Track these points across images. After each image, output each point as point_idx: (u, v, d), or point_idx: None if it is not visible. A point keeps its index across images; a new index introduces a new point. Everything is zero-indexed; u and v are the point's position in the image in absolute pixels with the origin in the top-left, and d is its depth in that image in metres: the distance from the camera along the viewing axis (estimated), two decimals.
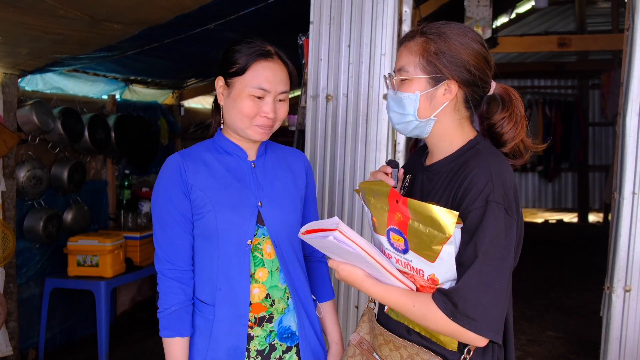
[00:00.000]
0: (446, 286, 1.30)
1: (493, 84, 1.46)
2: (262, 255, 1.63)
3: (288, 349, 1.68)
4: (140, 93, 5.31)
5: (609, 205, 3.12)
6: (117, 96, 4.97)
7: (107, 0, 2.77)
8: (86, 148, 4.32)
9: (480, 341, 1.26)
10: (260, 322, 1.64)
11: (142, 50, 3.79)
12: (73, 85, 4.40)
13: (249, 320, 1.62)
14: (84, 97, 4.54)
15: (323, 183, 2.91)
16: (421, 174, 1.50)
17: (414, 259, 1.32)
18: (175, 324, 1.59)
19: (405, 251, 1.33)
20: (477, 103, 1.44)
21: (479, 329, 1.24)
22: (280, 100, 1.63)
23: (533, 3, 8.03)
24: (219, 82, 1.64)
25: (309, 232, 1.33)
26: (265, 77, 1.58)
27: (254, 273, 1.63)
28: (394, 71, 1.45)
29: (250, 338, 1.62)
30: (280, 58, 1.64)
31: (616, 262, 2.60)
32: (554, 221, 9.80)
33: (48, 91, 4.17)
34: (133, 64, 4.28)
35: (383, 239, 1.39)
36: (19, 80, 3.79)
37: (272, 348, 1.66)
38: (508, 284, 1.30)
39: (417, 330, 1.40)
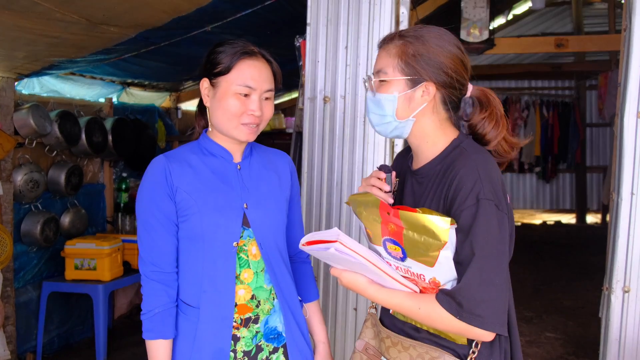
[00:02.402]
0: (448, 286, 1.34)
1: (470, 87, 1.48)
2: (248, 257, 1.64)
3: (275, 350, 1.68)
4: (138, 96, 5.30)
5: (607, 206, 3.11)
6: (114, 99, 4.97)
7: (104, 3, 2.76)
8: (83, 151, 4.31)
9: (488, 336, 1.31)
10: (246, 323, 1.64)
11: (139, 53, 3.79)
12: (70, 89, 4.39)
13: (235, 322, 1.62)
14: (81, 100, 4.53)
15: (321, 185, 2.90)
16: (410, 177, 1.53)
17: (413, 265, 1.35)
18: (158, 326, 1.59)
19: (403, 259, 1.36)
20: (455, 105, 1.47)
21: (486, 324, 1.28)
22: (266, 99, 1.63)
23: (530, 4, 8.04)
24: (204, 83, 1.64)
25: (309, 243, 1.34)
26: (250, 74, 1.59)
27: (239, 274, 1.63)
28: (372, 74, 1.48)
29: (236, 339, 1.63)
30: (264, 57, 1.65)
31: (615, 263, 2.60)
32: (552, 222, 9.80)
33: (45, 94, 4.16)
34: (130, 66, 4.27)
35: (380, 249, 1.41)
36: (16, 83, 3.79)
37: (259, 349, 1.66)
38: (507, 277, 1.34)
39: (425, 328, 1.43)
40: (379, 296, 1.39)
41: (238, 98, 1.58)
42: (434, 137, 1.45)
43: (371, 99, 1.47)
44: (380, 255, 1.42)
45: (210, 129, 1.69)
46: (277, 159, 1.79)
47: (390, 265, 1.40)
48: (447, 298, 1.31)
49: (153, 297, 1.59)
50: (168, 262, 1.61)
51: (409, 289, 1.37)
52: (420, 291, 1.38)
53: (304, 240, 1.36)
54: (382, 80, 1.43)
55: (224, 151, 1.67)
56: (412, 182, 1.51)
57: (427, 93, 1.41)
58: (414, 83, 1.41)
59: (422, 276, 1.35)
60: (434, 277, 1.33)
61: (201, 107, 1.73)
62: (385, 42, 1.46)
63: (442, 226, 1.25)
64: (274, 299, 1.68)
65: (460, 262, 1.30)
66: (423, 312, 1.34)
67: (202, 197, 1.60)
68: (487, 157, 1.40)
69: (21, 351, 3.94)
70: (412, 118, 1.43)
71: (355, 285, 1.41)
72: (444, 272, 1.31)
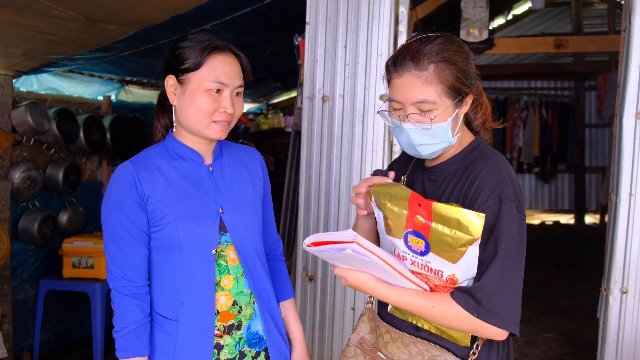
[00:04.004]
0: (464, 284, 1.35)
1: None
2: (227, 262, 1.58)
3: (257, 354, 1.65)
4: (136, 94, 5.29)
5: (605, 206, 3.11)
6: (113, 97, 4.95)
7: (103, 0, 2.75)
8: (81, 149, 4.30)
9: (501, 335, 1.32)
10: (229, 330, 1.59)
11: (137, 50, 3.78)
12: (68, 86, 4.37)
13: (218, 330, 1.57)
14: (79, 98, 4.52)
15: (319, 184, 2.90)
16: (421, 175, 1.53)
17: (434, 261, 1.34)
18: (133, 344, 1.51)
19: (424, 253, 1.35)
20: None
21: (502, 323, 1.30)
22: (236, 94, 1.57)
23: (529, 4, 8.04)
24: (170, 81, 1.56)
25: (315, 244, 1.32)
26: (222, 70, 1.52)
27: (220, 281, 1.57)
28: (410, 105, 1.39)
29: (219, 347, 1.58)
30: (232, 51, 1.58)
31: (613, 264, 2.60)
32: (551, 222, 9.80)
33: (43, 92, 4.15)
34: (128, 64, 4.26)
35: (399, 242, 1.39)
36: (14, 81, 3.77)
37: (242, 355, 1.62)
38: (522, 277, 1.38)
39: (427, 327, 1.43)
40: (389, 294, 1.38)
41: (210, 95, 1.51)
42: (459, 139, 1.47)
43: (420, 132, 1.40)
44: (395, 247, 1.41)
45: (175, 129, 1.61)
46: (248, 157, 1.74)
47: (406, 260, 1.39)
48: (464, 296, 1.31)
49: (126, 314, 1.51)
50: (140, 274, 1.53)
51: (420, 288, 1.37)
52: (431, 289, 1.38)
53: (308, 240, 1.32)
54: (428, 110, 1.38)
55: (194, 154, 1.60)
56: (422, 178, 1.52)
57: (466, 104, 1.44)
58: (460, 102, 1.41)
59: (440, 272, 1.34)
60: (453, 274, 1.33)
61: (162, 105, 1.66)
62: (409, 67, 1.38)
63: (476, 222, 1.25)
64: (254, 303, 1.63)
65: (482, 260, 1.32)
66: (437, 310, 1.33)
67: (176, 205, 1.52)
68: (506, 161, 1.44)
69: (18, 349, 3.93)
70: (458, 133, 1.44)
71: (363, 285, 1.39)
72: (465, 269, 1.32)
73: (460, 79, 1.38)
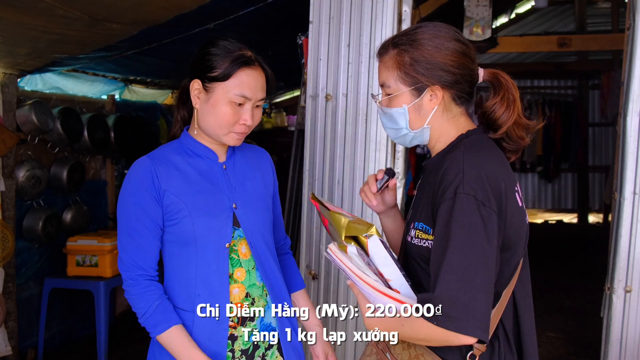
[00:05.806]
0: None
1: (481, 72, 1.43)
2: (238, 256, 1.64)
3: (270, 346, 1.69)
4: (140, 93, 5.30)
5: (609, 205, 3.12)
6: (117, 96, 4.97)
7: (107, 0, 2.76)
8: (85, 148, 4.32)
9: (468, 340, 1.20)
10: (243, 321, 1.64)
11: (141, 50, 3.79)
12: (72, 85, 4.39)
13: (232, 321, 1.62)
14: (83, 97, 4.54)
15: (322, 183, 2.90)
16: (423, 172, 1.51)
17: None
18: (164, 316, 1.55)
19: None
20: (467, 97, 1.42)
21: (461, 327, 1.19)
22: (256, 106, 1.62)
23: (533, 3, 8.03)
24: (195, 84, 1.59)
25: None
26: (248, 84, 1.56)
27: (232, 274, 1.63)
28: (379, 86, 1.46)
29: (233, 338, 1.63)
30: (260, 64, 1.62)
31: (617, 263, 2.60)
32: (554, 222, 9.79)
33: (47, 91, 4.16)
34: (132, 64, 4.27)
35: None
36: (19, 80, 3.79)
37: (255, 346, 1.66)
38: (492, 277, 1.25)
39: None
40: (372, 323, 1.35)
41: (232, 107, 1.56)
42: (446, 135, 1.42)
43: (382, 114, 1.44)
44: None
45: (190, 129, 1.66)
46: (259, 157, 1.80)
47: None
48: (424, 305, 1.22)
49: (145, 295, 1.56)
50: (152, 265, 1.59)
51: (398, 301, 1.30)
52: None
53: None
54: (388, 94, 1.40)
55: (209, 151, 1.65)
56: (424, 176, 1.49)
57: (435, 97, 1.37)
58: (418, 91, 1.37)
59: None
60: None
61: (183, 99, 1.70)
62: (381, 54, 1.43)
63: (342, 226, 1.33)
64: (266, 295, 1.68)
65: (434, 260, 1.24)
66: (407, 327, 1.27)
67: (191, 199, 1.58)
68: (484, 153, 1.34)
69: (22, 347, 3.94)
70: (427, 125, 1.40)
71: (359, 302, 1.37)
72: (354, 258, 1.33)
73: (414, 67, 1.35)
